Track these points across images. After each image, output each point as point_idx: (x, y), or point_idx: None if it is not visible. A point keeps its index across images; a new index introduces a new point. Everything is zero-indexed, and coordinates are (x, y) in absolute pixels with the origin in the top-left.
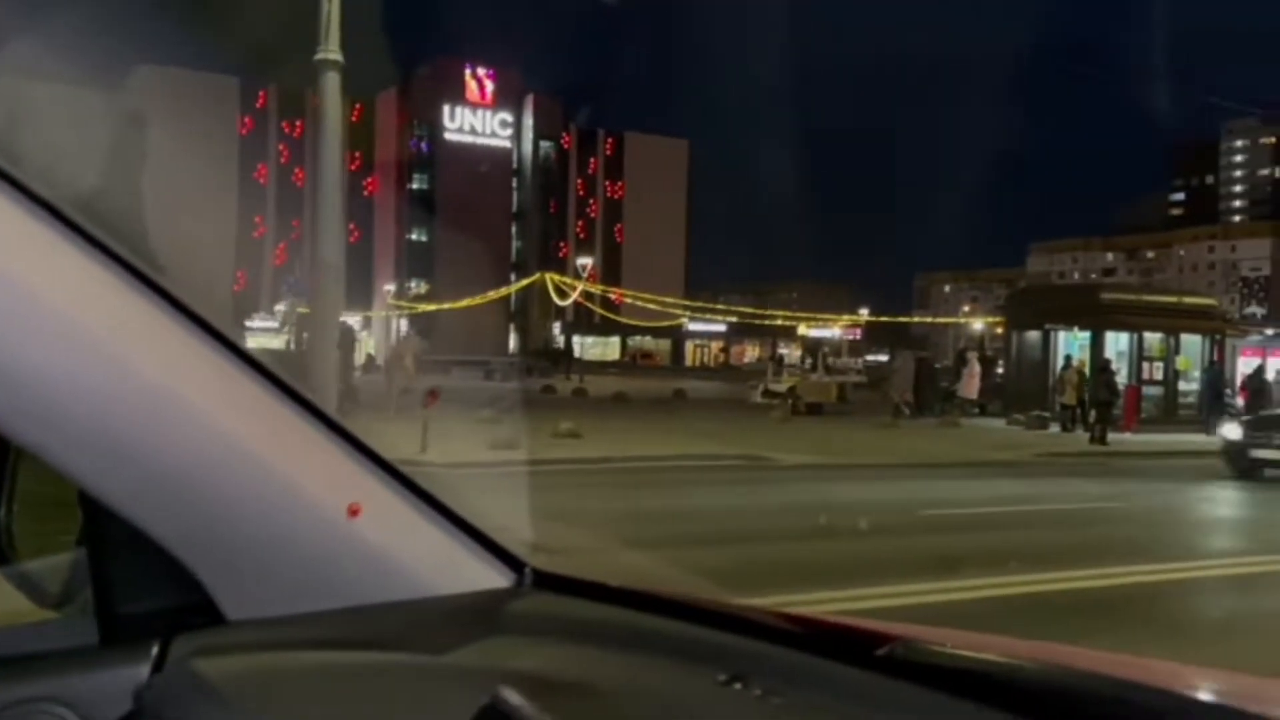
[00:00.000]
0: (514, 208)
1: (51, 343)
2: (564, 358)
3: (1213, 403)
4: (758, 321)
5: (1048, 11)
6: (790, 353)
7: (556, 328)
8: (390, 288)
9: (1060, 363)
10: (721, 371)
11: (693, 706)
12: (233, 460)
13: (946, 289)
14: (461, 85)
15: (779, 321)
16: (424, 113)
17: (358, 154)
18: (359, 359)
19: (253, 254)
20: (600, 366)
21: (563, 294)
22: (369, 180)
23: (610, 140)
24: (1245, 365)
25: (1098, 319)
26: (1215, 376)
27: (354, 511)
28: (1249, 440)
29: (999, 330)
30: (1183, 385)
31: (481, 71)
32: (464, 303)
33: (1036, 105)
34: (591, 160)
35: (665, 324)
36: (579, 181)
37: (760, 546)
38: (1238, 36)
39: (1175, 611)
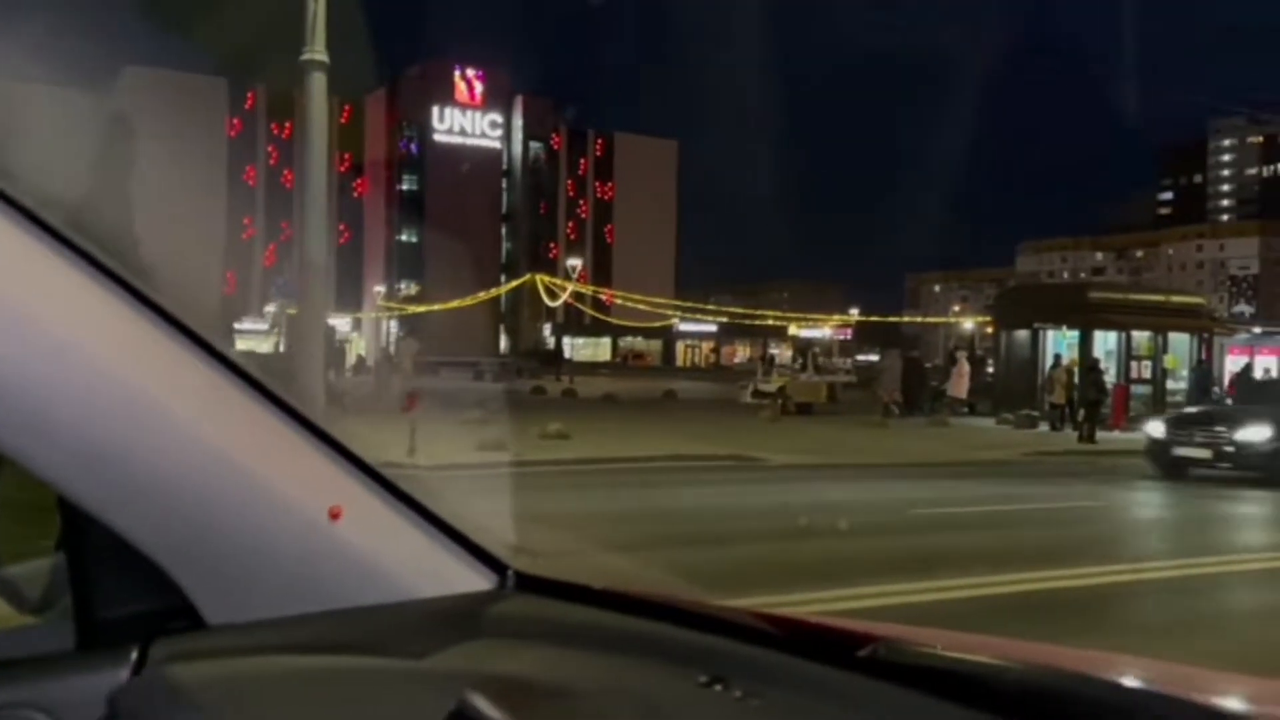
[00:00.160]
0: (504, 209)
1: (28, 348)
2: (554, 359)
3: (1201, 401)
4: (748, 322)
5: (1038, 11)
6: (781, 353)
7: (547, 329)
8: (380, 289)
9: (1049, 362)
10: (712, 372)
11: (672, 708)
12: (212, 464)
13: (937, 289)
14: (451, 86)
15: (770, 322)
16: (413, 114)
17: (347, 155)
18: (350, 360)
19: (242, 256)
20: (591, 367)
21: (553, 295)
22: (358, 181)
23: (600, 141)
24: (1233, 364)
25: (1086, 318)
26: (1203, 375)
27: (335, 515)
28: (1171, 438)
29: (989, 330)
30: (1171, 384)
31: (471, 72)
32: (454, 304)
33: (1026, 105)
34: (581, 161)
35: (656, 325)
36: (569, 182)
37: (748, 547)
38: (1230, 37)
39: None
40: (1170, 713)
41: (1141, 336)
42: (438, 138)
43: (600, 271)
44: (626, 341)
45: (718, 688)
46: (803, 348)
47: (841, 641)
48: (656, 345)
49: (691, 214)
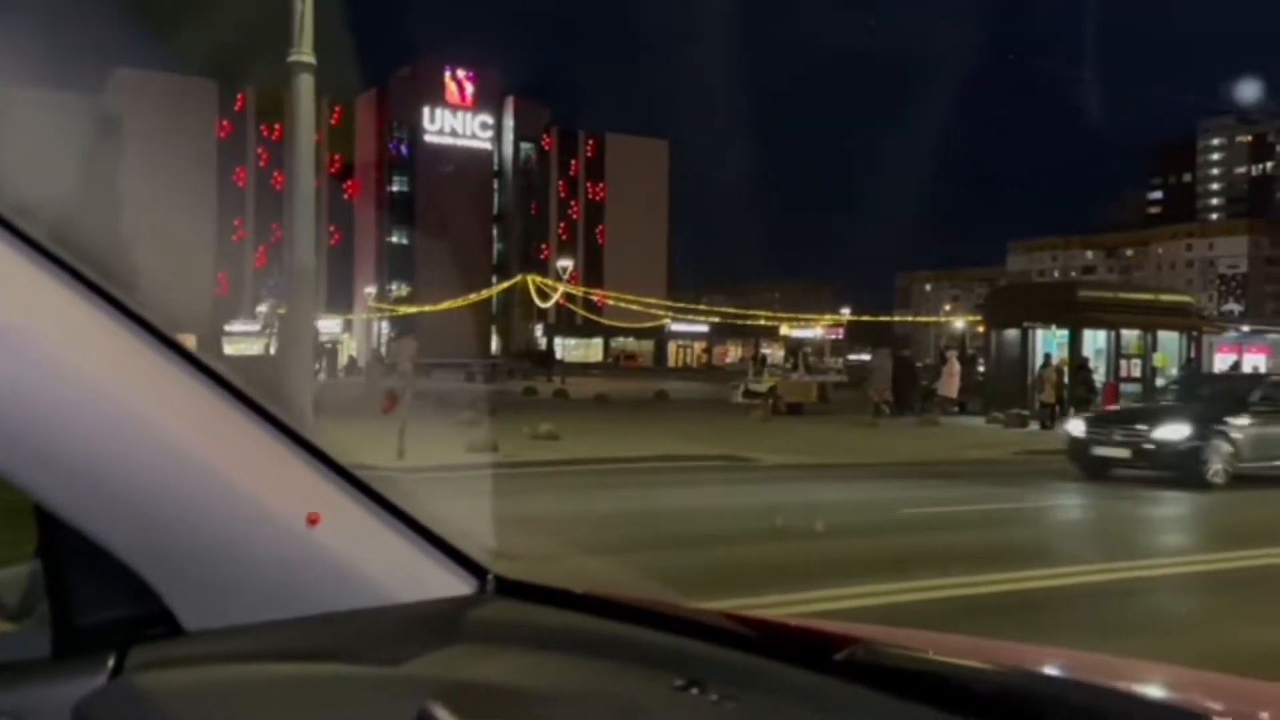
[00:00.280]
0: (495, 210)
1: (3, 359)
2: (546, 360)
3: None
4: (740, 322)
5: (1031, 10)
6: (773, 353)
7: (539, 330)
8: (371, 290)
9: (1039, 361)
10: (704, 372)
11: (648, 712)
12: (189, 470)
13: (928, 288)
14: (441, 87)
15: (762, 322)
16: (404, 115)
17: (338, 156)
18: (341, 361)
19: (234, 257)
20: (583, 368)
21: (544, 296)
22: (349, 183)
23: (591, 141)
24: (1222, 362)
25: (1075, 317)
26: (1192, 373)
27: (313, 520)
28: (1091, 437)
29: (980, 329)
30: (1160, 382)
31: (461, 73)
32: (445, 305)
33: (1018, 105)
34: (572, 162)
35: (648, 325)
36: (560, 183)
37: (737, 547)
38: (1222, 38)
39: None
40: (1144, 714)
41: (1131, 335)
42: (428, 139)
43: (592, 272)
44: (618, 342)
45: (694, 691)
46: (794, 348)
47: (819, 644)
48: (648, 346)
49: (683, 214)
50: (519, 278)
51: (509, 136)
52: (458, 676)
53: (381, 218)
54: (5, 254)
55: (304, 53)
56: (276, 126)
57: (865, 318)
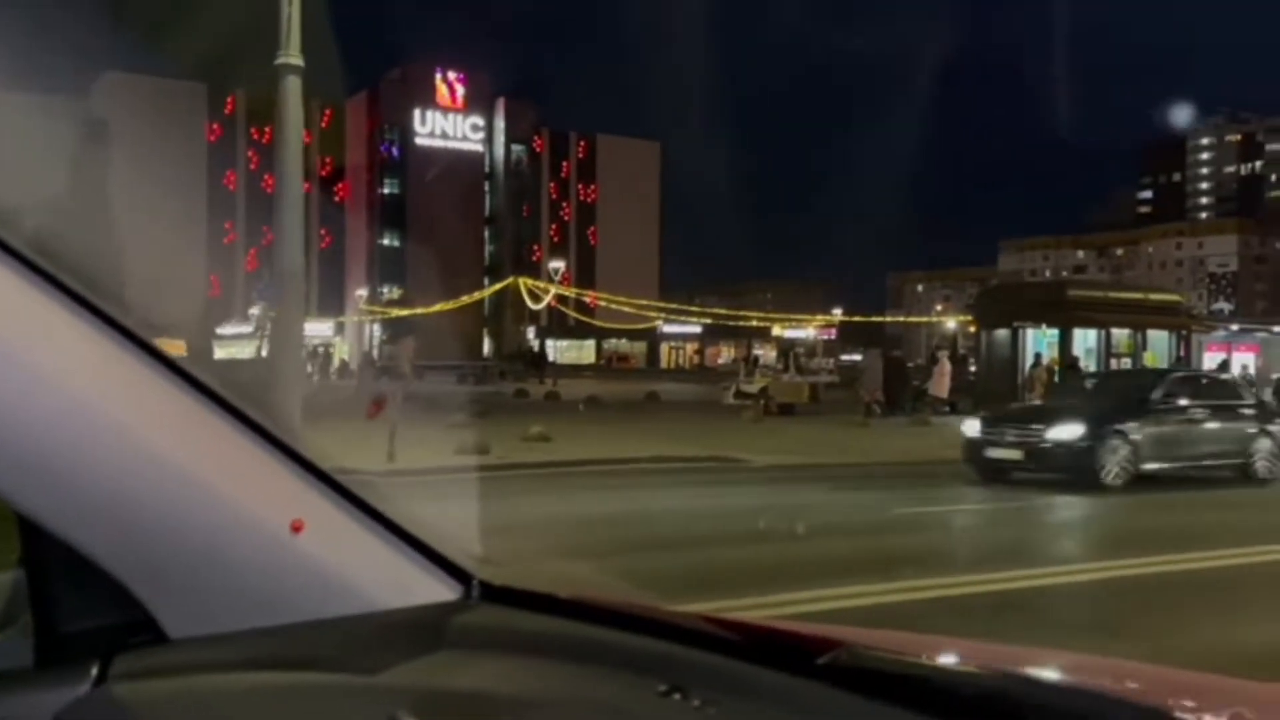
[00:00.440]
0: (486, 212)
1: None
2: (538, 362)
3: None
4: (733, 323)
5: (1024, 11)
6: (765, 353)
7: (531, 332)
8: (362, 293)
9: (1029, 360)
10: (696, 373)
11: (631, 718)
12: (172, 477)
13: (920, 288)
14: (432, 89)
15: (754, 322)
16: (394, 117)
17: (328, 159)
18: (334, 364)
19: (225, 260)
20: (575, 370)
21: (536, 298)
22: (340, 185)
23: (582, 143)
24: (1211, 361)
25: (1065, 316)
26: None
27: (297, 527)
28: (985, 438)
29: (971, 329)
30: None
31: (452, 75)
32: (436, 307)
33: (1010, 104)
34: (564, 163)
35: (640, 326)
36: (552, 185)
37: (724, 549)
38: (1216, 39)
39: None
40: (1127, 716)
41: (1121, 334)
42: (419, 141)
43: (584, 274)
44: (611, 344)
45: (676, 697)
46: (786, 348)
47: (802, 648)
48: (641, 347)
49: (675, 215)
50: (511, 280)
51: (500, 138)
52: (439, 684)
53: (373, 220)
54: None
55: (291, 55)
56: (267, 129)
57: (857, 318)
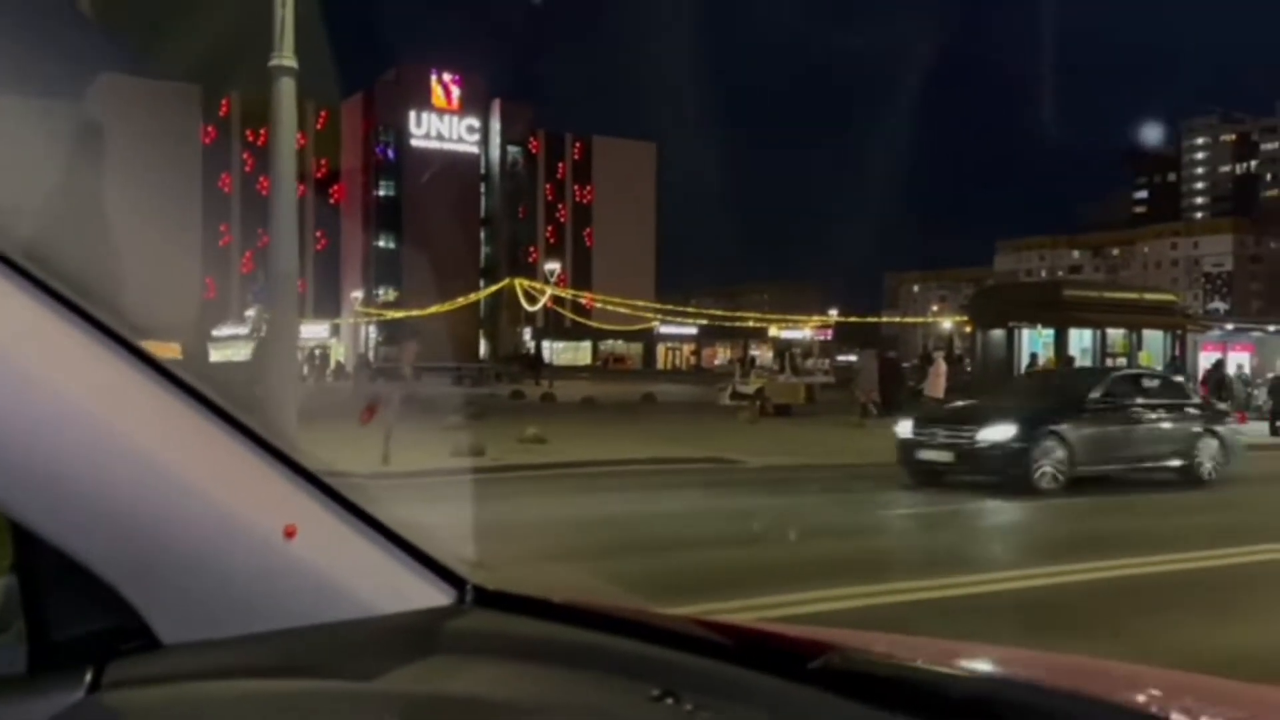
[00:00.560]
0: (482, 213)
1: None
2: (535, 363)
3: None
4: (729, 324)
5: (1019, 12)
6: (762, 354)
7: (527, 333)
8: (358, 295)
9: (1025, 360)
10: (693, 374)
11: None
12: (165, 483)
13: (916, 288)
14: (427, 91)
15: (750, 323)
16: (390, 119)
17: (324, 161)
18: (330, 366)
19: (220, 262)
20: (572, 371)
21: (532, 299)
22: (335, 187)
23: (578, 144)
24: (1206, 360)
25: (1060, 316)
26: (1176, 372)
27: (290, 533)
28: (916, 439)
29: (968, 329)
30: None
31: (447, 77)
32: (432, 309)
33: (1005, 105)
34: (560, 164)
35: (636, 328)
36: (547, 186)
37: (717, 550)
38: (1212, 39)
39: None
40: (1118, 718)
41: (1116, 334)
42: (415, 143)
43: (580, 275)
44: (607, 345)
45: (668, 701)
46: (782, 349)
47: (793, 651)
48: (637, 348)
49: (671, 216)
50: (507, 281)
51: (495, 140)
52: (432, 690)
53: (368, 222)
54: None
55: (285, 57)
56: (262, 132)
57: (853, 318)
